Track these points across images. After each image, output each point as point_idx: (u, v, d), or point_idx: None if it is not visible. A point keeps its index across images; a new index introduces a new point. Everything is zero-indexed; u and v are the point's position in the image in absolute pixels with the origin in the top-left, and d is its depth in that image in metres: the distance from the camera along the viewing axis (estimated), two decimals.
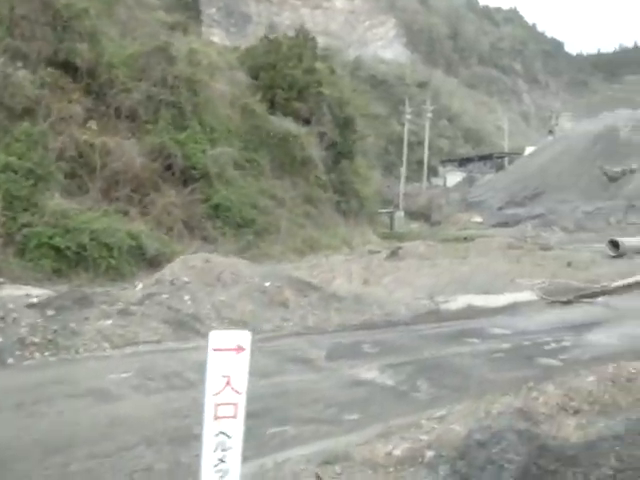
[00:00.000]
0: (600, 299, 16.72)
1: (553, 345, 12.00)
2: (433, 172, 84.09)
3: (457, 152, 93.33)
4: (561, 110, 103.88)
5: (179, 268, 13.63)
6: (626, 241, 24.01)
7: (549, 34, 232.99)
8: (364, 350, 11.03)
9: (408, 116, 79.97)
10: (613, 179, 45.05)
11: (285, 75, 33.77)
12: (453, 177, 75.25)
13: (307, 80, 34.67)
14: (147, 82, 24.19)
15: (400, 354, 10.72)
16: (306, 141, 32.11)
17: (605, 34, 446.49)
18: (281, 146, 30.59)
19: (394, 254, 24.60)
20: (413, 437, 6.21)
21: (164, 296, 12.19)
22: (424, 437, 6.17)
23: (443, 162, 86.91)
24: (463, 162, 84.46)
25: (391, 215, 40.65)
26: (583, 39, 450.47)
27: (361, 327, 12.66)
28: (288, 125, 31.47)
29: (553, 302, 15.82)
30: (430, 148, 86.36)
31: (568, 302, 15.94)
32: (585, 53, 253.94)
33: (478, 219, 45.42)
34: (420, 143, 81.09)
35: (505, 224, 42.54)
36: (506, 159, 74.19)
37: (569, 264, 20.99)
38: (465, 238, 33.91)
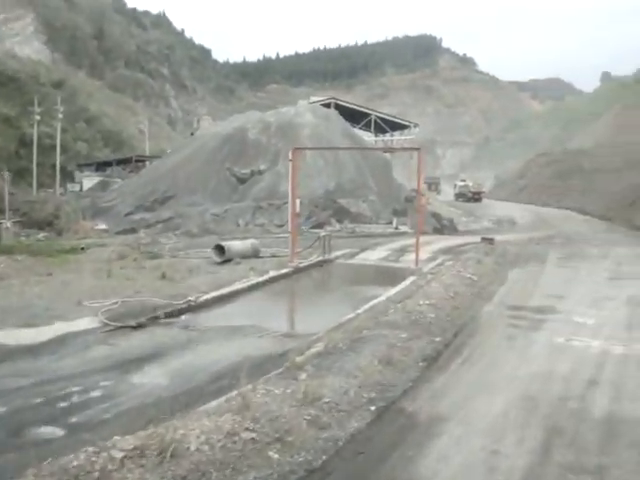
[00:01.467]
0: (183, 317, 13.97)
1: (75, 399, 8.78)
2: (70, 177, 78.02)
3: (96, 156, 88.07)
4: (203, 114, 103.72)
5: None
6: (232, 245, 21.94)
7: (197, 41, 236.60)
8: None
9: (38, 117, 73.38)
10: (242, 180, 44.08)
11: None
12: (90, 182, 70.13)
13: None
14: None
15: None
16: None
17: (250, 43, 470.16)
18: None
19: None
20: None
21: None
22: None
23: (80, 166, 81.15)
24: (101, 166, 79.69)
25: None
26: (230, 47, 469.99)
27: None
28: None
29: (120, 328, 12.63)
30: (66, 152, 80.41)
31: (139, 326, 12.87)
32: (232, 61, 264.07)
33: (103, 226, 41.39)
34: (55, 146, 74.76)
35: (132, 230, 39.16)
36: (147, 163, 71.10)
37: (163, 275, 18.13)
38: (82, 248, 29.93)
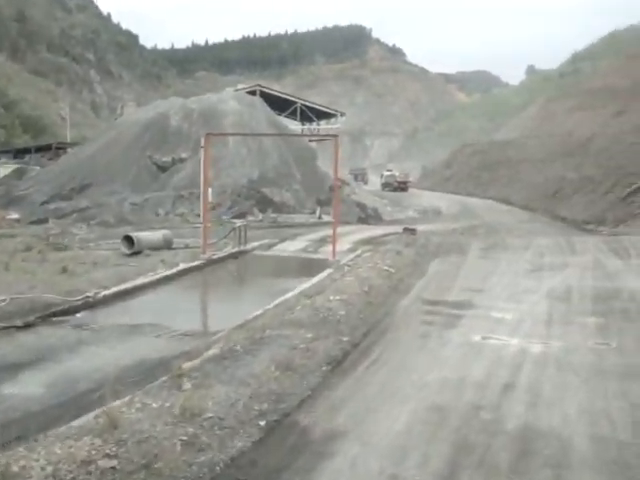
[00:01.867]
0: (78, 315, 12.88)
1: None
2: None
3: (15, 142, 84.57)
4: (129, 100, 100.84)
5: None
6: (142, 236, 20.79)
7: (124, 26, 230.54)
8: None
9: None
10: (163, 169, 42.68)
11: None
12: (7, 170, 67.11)
13: None
14: None
15: None
16: None
17: (179, 30, 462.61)
18: None
19: None
20: None
21: None
22: None
23: None
24: (20, 153, 76.38)
25: None
26: (158, 33, 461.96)
27: None
28: None
29: (3, 329, 11.48)
30: None
31: (26, 326, 11.76)
32: (160, 47, 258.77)
33: (15, 216, 39.32)
34: None
35: (46, 220, 37.29)
36: (68, 150, 68.38)
37: (64, 269, 16.90)
38: None
